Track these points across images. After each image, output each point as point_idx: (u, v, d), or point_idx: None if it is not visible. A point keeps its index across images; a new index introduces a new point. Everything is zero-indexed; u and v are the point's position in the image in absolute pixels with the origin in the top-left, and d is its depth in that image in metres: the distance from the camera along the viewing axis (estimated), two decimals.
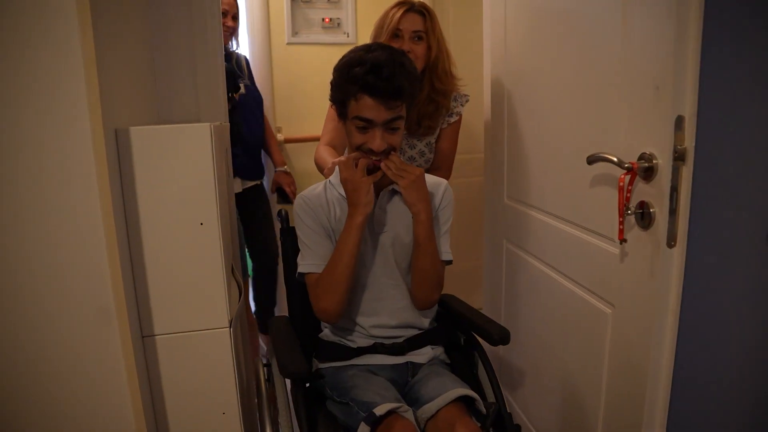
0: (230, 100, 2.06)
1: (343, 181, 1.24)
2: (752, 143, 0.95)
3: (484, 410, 1.18)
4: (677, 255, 1.00)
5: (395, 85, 1.18)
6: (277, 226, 1.60)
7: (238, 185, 2.25)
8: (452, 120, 1.76)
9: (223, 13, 2.09)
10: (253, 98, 2.28)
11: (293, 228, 1.47)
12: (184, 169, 1.07)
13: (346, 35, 2.55)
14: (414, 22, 1.63)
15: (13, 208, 0.89)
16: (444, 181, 1.40)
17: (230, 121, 2.13)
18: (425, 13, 1.66)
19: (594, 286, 1.24)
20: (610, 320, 1.19)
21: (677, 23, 0.93)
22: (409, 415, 1.12)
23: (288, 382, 1.31)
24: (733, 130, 0.96)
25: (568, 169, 1.30)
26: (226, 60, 2.18)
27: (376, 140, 1.22)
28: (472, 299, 1.60)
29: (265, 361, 1.46)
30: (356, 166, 1.23)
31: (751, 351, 1.00)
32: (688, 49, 0.93)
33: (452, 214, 1.39)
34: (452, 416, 1.13)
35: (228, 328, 1.15)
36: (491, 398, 1.28)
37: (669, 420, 1.06)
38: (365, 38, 2.54)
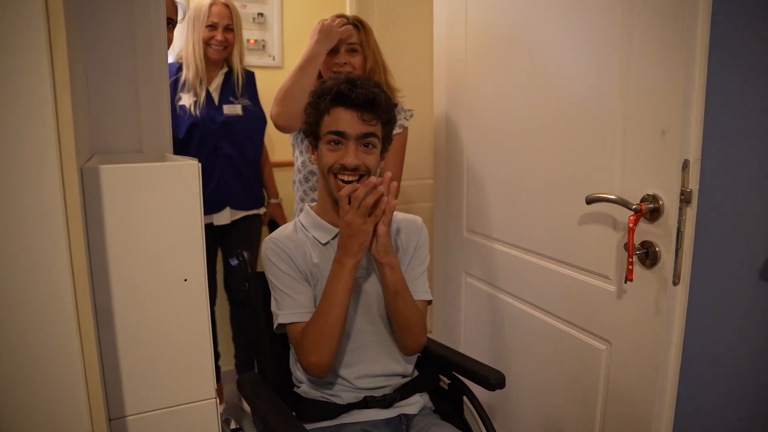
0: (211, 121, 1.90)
1: (344, 224, 1.12)
2: (742, 187, 1.01)
3: None
4: (681, 292, 1.04)
5: (369, 95, 1.15)
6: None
7: (226, 216, 2.01)
8: (395, 132, 1.72)
9: (212, 25, 1.89)
10: (251, 119, 2.03)
11: (260, 273, 1.32)
12: (165, 216, 0.90)
13: (272, 58, 2.42)
14: (348, 35, 1.66)
15: None
16: (418, 218, 1.35)
17: (215, 142, 1.94)
18: (359, 25, 1.69)
19: (585, 323, 1.25)
20: (605, 356, 1.20)
21: (686, 73, 0.97)
22: None
23: None
24: (730, 174, 1.02)
25: (556, 208, 1.30)
26: (227, 75, 1.98)
27: (350, 155, 1.15)
28: None
29: (234, 426, 1.29)
30: (349, 203, 1.13)
31: (745, 384, 1.05)
32: (693, 97, 0.97)
33: (428, 252, 1.34)
34: None
35: (214, 399, 0.98)
36: None
37: None
38: (292, 61, 2.44)
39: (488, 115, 1.55)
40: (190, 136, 1.90)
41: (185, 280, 0.93)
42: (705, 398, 1.09)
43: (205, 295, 0.95)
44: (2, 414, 0.75)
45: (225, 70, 1.99)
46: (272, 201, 2.22)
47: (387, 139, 1.23)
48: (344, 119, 1.16)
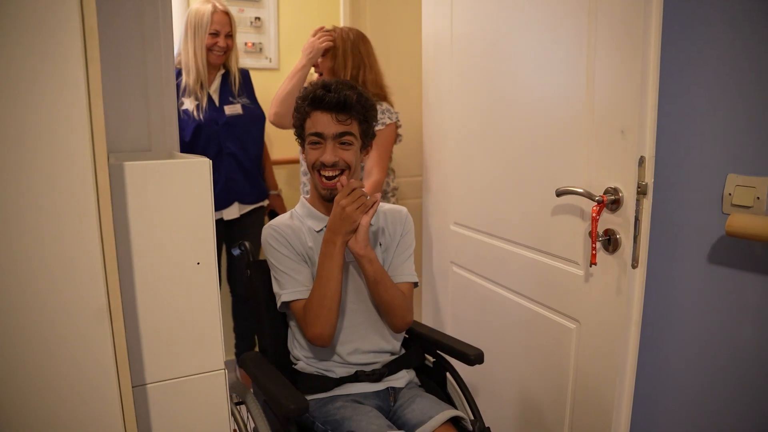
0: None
1: (338, 207, 1.23)
2: (692, 180, 1.14)
3: (470, 427, 1.26)
4: (639, 274, 1.17)
5: (341, 97, 1.28)
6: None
7: (235, 211, 2.14)
8: (377, 127, 1.87)
9: (214, 32, 2.00)
10: (251, 117, 2.16)
11: (261, 261, 1.44)
12: (181, 206, 1.02)
13: (268, 60, 2.53)
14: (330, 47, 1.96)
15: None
16: (403, 208, 1.47)
17: (220, 142, 2.06)
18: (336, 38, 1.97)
19: (558, 304, 1.37)
20: (575, 334, 1.32)
21: (641, 80, 1.09)
22: None
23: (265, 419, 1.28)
24: (681, 169, 1.15)
25: (531, 201, 1.42)
26: (224, 77, 2.10)
27: (327, 153, 1.29)
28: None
29: (236, 400, 1.40)
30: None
31: (698, 354, 1.18)
32: (648, 101, 1.10)
33: (413, 238, 1.46)
34: None
35: (223, 370, 1.10)
36: (467, 415, 1.35)
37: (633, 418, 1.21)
38: (288, 63, 2.56)
39: (471, 117, 1.67)
40: (196, 139, 2.01)
41: (198, 263, 1.05)
42: (663, 368, 1.22)
43: (216, 276, 1.06)
44: (46, 380, 0.86)
45: (222, 71, 2.10)
46: (272, 192, 2.34)
47: (366, 135, 1.36)
48: (321, 121, 1.29)
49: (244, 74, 2.19)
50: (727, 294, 1.09)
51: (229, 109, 2.08)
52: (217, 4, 2.01)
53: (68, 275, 0.86)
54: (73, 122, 0.84)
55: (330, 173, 1.30)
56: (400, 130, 2.00)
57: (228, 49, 2.05)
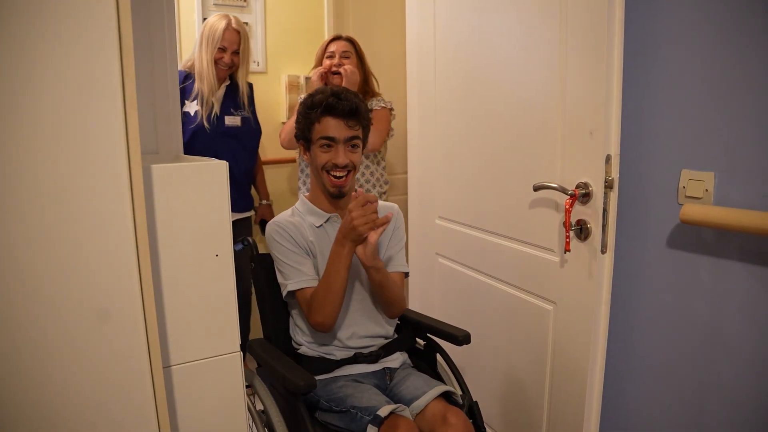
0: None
1: (353, 218, 1.33)
2: (653, 175, 1.30)
3: (460, 401, 1.39)
4: (608, 259, 1.32)
5: (353, 105, 1.42)
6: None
7: None
8: (377, 108, 2.26)
9: (222, 48, 2.11)
10: (248, 130, 2.27)
11: (265, 255, 1.56)
12: (201, 204, 1.13)
13: (256, 64, 2.62)
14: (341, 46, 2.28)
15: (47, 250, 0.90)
16: (395, 205, 1.60)
17: (215, 150, 2.14)
18: (354, 42, 2.32)
19: (536, 288, 1.52)
20: (552, 315, 1.47)
21: (606, 87, 1.24)
22: (407, 413, 1.29)
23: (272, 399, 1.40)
24: (643, 165, 1.30)
25: (511, 195, 1.57)
26: (231, 88, 2.20)
27: (340, 155, 1.42)
28: None
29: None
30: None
31: (660, 329, 1.34)
32: (613, 105, 1.25)
33: (404, 232, 1.60)
34: (440, 409, 1.32)
35: (239, 352, 1.21)
36: (456, 390, 1.49)
37: (604, 392, 1.36)
38: (275, 67, 2.66)
39: (454, 118, 1.81)
40: (192, 143, 2.11)
41: (216, 255, 1.16)
42: (630, 341, 1.38)
43: (232, 267, 1.17)
44: (87, 359, 0.96)
45: (227, 82, 2.20)
46: (264, 202, 2.45)
47: (366, 138, 1.50)
48: (333, 126, 1.42)
49: (249, 87, 2.30)
50: (683, 274, 1.25)
51: (228, 120, 2.19)
52: (232, 22, 2.13)
53: (104, 268, 0.96)
54: (111, 129, 0.94)
55: (339, 174, 1.43)
56: (393, 123, 2.22)
57: (233, 65, 2.17)
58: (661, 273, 1.30)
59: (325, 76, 2.21)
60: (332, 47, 2.25)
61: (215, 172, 1.13)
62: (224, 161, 1.15)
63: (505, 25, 1.55)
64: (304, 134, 1.48)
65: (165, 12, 1.51)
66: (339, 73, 2.19)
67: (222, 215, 1.15)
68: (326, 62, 2.24)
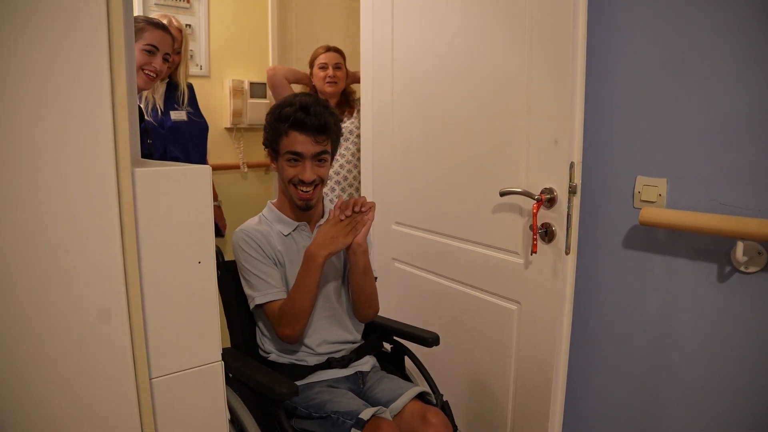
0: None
1: (329, 227, 1.36)
2: (611, 181, 1.40)
3: (434, 401, 1.42)
4: (571, 260, 1.41)
5: (322, 121, 1.38)
6: None
7: None
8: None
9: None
10: (195, 124, 2.18)
11: (230, 262, 1.51)
12: (185, 210, 1.08)
13: (199, 68, 2.54)
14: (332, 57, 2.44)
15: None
16: None
17: (165, 146, 2.04)
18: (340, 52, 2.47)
19: (500, 289, 1.59)
20: (516, 315, 1.55)
21: (570, 100, 1.33)
22: (387, 415, 1.30)
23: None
24: (602, 171, 1.41)
25: (474, 201, 1.63)
26: (169, 88, 2.10)
27: (307, 171, 1.40)
28: None
29: None
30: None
31: (619, 323, 1.45)
32: (576, 116, 1.34)
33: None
34: (418, 409, 1.35)
35: (221, 361, 1.17)
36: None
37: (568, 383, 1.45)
38: (218, 70, 2.60)
39: (412, 126, 1.85)
40: (142, 140, 2.01)
41: (199, 262, 1.12)
42: (592, 337, 1.48)
43: (214, 275, 1.14)
44: (68, 374, 0.90)
45: (166, 80, 2.11)
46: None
47: (335, 150, 1.49)
48: (301, 142, 1.38)
49: (190, 87, 2.23)
50: (639, 271, 1.36)
51: (174, 115, 2.10)
52: (173, 22, 2.06)
53: (89, 274, 0.91)
54: (98, 132, 0.90)
55: (306, 188, 1.40)
56: None
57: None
58: (619, 271, 1.40)
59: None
60: (324, 59, 2.40)
61: (200, 176, 1.10)
62: (208, 165, 1.12)
63: (470, 35, 1.61)
64: (271, 144, 1.44)
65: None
66: (335, 83, 2.37)
67: (205, 220, 1.12)
68: (320, 73, 2.40)
